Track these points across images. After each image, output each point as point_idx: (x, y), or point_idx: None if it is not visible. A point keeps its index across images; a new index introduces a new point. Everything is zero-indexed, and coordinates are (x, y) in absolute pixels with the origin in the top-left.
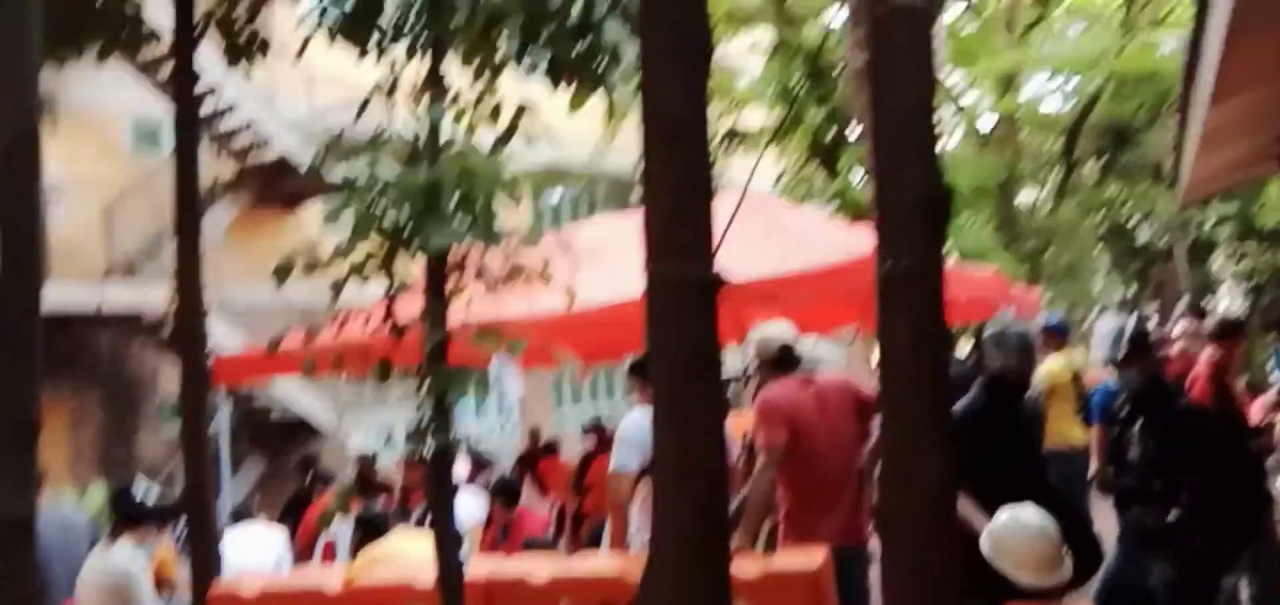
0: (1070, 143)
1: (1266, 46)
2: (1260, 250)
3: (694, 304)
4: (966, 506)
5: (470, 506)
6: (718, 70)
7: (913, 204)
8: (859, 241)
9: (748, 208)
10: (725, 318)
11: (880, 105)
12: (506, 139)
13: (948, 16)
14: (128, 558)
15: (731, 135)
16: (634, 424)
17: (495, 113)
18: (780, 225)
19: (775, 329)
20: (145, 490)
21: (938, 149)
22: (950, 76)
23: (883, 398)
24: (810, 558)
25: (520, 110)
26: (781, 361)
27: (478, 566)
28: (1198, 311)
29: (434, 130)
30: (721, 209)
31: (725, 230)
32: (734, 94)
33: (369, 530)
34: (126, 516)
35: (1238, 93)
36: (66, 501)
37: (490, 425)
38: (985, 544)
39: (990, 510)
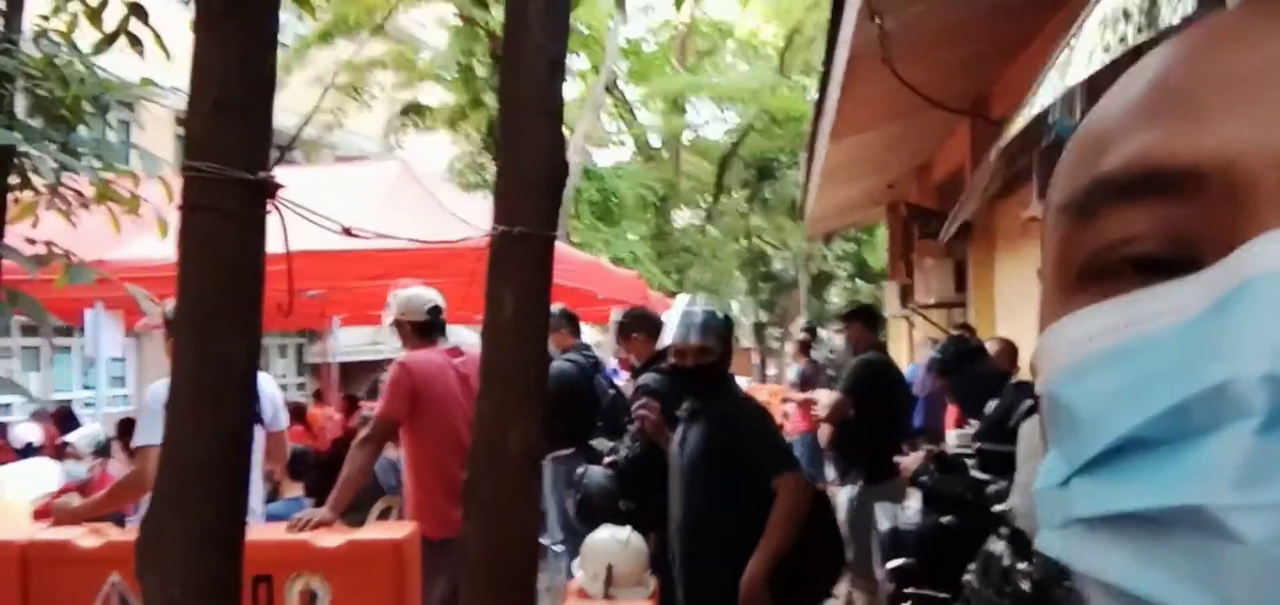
0: (722, 170)
1: (873, 94)
2: (872, 290)
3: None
4: None
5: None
6: (400, 39)
7: (531, 171)
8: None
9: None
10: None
11: (509, 73)
12: (110, 40)
13: (629, 33)
14: None
15: (409, 109)
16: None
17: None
18: (434, 199)
19: (422, 290)
20: None
21: (560, 139)
22: (627, 92)
23: (483, 366)
24: (397, 528)
25: (131, 8)
26: (429, 326)
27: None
28: (809, 333)
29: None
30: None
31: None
32: (416, 68)
33: None
34: None
35: (853, 133)
36: None
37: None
38: None
39: None
